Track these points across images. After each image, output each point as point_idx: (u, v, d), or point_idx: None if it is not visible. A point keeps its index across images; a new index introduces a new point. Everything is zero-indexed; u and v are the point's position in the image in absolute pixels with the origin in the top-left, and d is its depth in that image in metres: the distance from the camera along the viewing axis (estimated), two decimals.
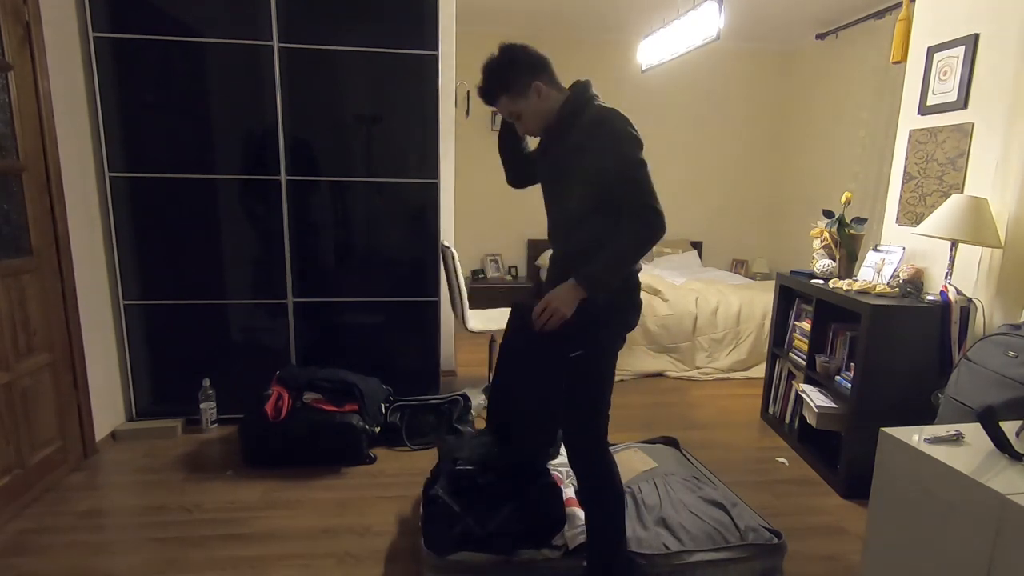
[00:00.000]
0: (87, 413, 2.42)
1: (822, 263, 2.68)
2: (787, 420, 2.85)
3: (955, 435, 1.33)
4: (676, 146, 5.36)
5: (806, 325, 2.68)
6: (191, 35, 2.52)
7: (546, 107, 1.55)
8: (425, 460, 2.49)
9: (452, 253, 2.87)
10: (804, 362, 2.67)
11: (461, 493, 1.77)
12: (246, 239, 2.75)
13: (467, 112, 4.84)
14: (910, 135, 2.50)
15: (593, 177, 1.47)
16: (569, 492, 1.87)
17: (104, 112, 2.48)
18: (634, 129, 1.47)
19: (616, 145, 1.44)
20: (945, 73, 2.31)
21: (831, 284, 2.49)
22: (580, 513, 1.75)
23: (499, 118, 1.70)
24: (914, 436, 1.35)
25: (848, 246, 2.63)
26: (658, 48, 3.55)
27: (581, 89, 1.58)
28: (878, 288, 2.32)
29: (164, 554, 1.85)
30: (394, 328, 2.94)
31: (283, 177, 2.68)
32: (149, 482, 2.28)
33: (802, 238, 4.56)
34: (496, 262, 5.43)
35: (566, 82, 1.61)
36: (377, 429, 2.53)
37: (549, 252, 1.74)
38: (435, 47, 2.67)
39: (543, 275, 5.30)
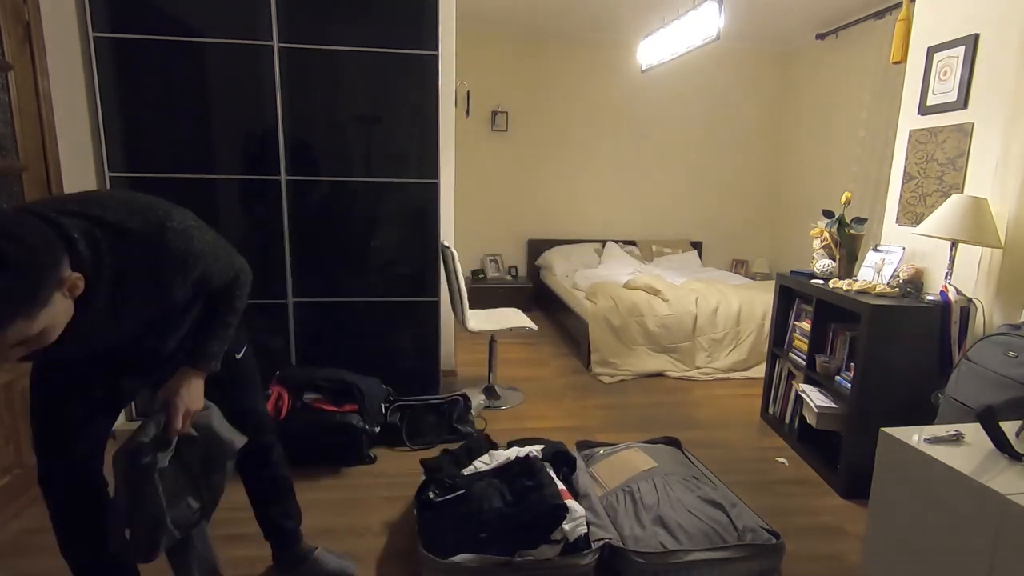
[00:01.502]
0: None
1: (822, 263, 2.68)
2: (787, 420, 2.85)
3: (955, 435, 1.33)
4: (676, 146, 5.36)
5: (806, 325, 2.68)
6: (191, 35, 2.52)
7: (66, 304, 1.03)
8: None
9: (452, 253, 2.88)
10: (804, 362, 2.67)
11: (456, 499, 1.77)
12: (246, 239, 2.75)
13: (467, 112, 4.84)
14: (910, 135, 2.50)
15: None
16: (560, 484, 1.87)
17: (104, 112, 2.48)
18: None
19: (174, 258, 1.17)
20: (945, 73, 2.31)
21: (831, 284, 2.49)
22: (577, 506, 1.76)
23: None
24: (914, 436, 1.35)
25: (848, 246, 2.63)
26: (658, 48, 3.55)
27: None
28: (878, 288, 2.32)
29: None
30: (394, 328, 2.94)
31: (283, 177, 2.68)
32: None
33: (802, 238, 4.57)
34: (496, 262, 5.43)
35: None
36: (377, 429, 2.53)
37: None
38: (435, 47, 2.67)
39: (543, 276, 5.33)
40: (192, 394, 1.33)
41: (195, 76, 2.57)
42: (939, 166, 2.34)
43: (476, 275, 5.33)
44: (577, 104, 5.16)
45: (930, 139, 2.39)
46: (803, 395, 2.58)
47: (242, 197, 2.70)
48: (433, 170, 2.81)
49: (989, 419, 1.28)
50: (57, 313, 1.01)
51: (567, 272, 4.88)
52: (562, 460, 2.03)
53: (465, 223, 3.91)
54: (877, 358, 2.19)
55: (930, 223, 2.11)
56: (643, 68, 3.91)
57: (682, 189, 5.47)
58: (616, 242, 5.32)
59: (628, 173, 5.37)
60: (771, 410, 3.00)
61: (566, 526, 1.68)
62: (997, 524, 1.10)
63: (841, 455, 2.34)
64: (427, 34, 2.66)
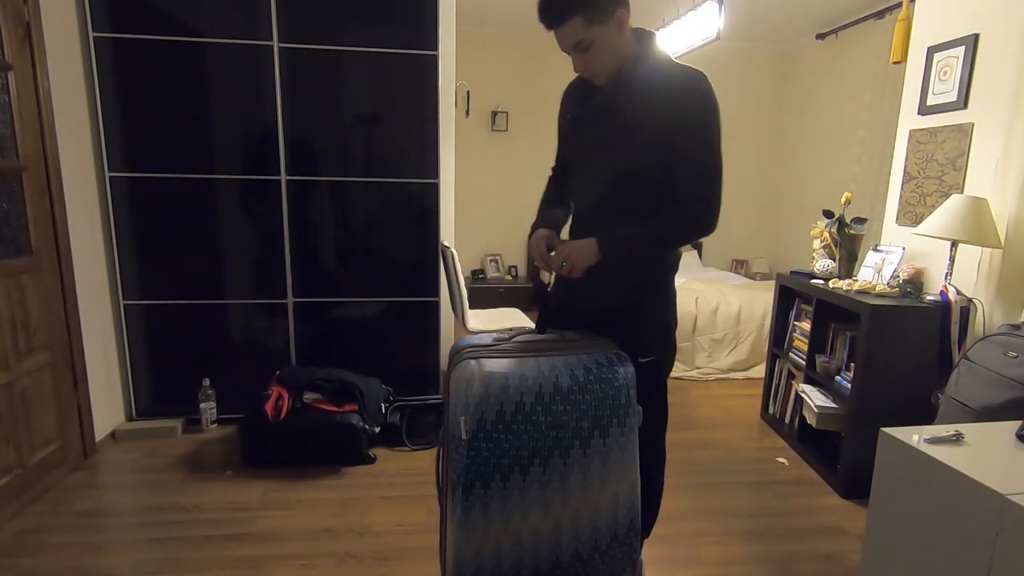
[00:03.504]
0: (87, 413, 2.42)
1: (822, 263, 2.68)
2: (787, 420, 2.85)
3: (955, 435, 1.33)
4: None
5: (806, 325, 2.68)
6: (191, 35, 2.52)
7: (620, 47, 1.28)
8: (425, 460, 2.50)
9: (452, 253, 2.88)
10: (804, 362, 2.67)
11: None
12: (246, 239, 2.75)
13: (467, 112, 4.84)
14: (910, 135, 2.50)
15: (658, 145, 1.25)
16: None
17: (104, 112, 2.48)
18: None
19: (703, 118, 1.24)
20: (945, 73, 2.31)
21: (831, 284, 2.49)
22: None
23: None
24: (914, 436, 1.35)
25: (848, 246, 2.63)
26: None
27: (652, 39, 1.34)
28: (878, 288, 2.32)
29: (164, 554, 1.85)
30: (394, 328, 2.94)
31: (283, 177, 2.68)
32: (149, 482, 2.28)
33: (802, 238, 4.57)
34: (496, 262, 5.43)
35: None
36: (377, 429, 2.53)
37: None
38: (435, 47, 2.67)
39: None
40: (579, 253, 1.29)
41: (195, 76, 2.57)
42: (939, 166, 2.34)
43: (476, 275, 5.33)
44: None
45: (930, 139, 2.39)
46: (803, 395, 2.58)
47: (242, 197, 2.70)
48: (433, 170, 2.81)
49: None
50: (606, 41, 1.24)
51: None
52: None
53: (465, 223, 3.91)
54: (877, 358, 2.19)
55: (930, 223, 2.11)
56: None
57: None
58: None
59: None
60: (771, 410, 3.00)
61: None
62: (997, 524, 1.10)
63: (841, 455, 2.34)
64: (427, 34, 2.66)
